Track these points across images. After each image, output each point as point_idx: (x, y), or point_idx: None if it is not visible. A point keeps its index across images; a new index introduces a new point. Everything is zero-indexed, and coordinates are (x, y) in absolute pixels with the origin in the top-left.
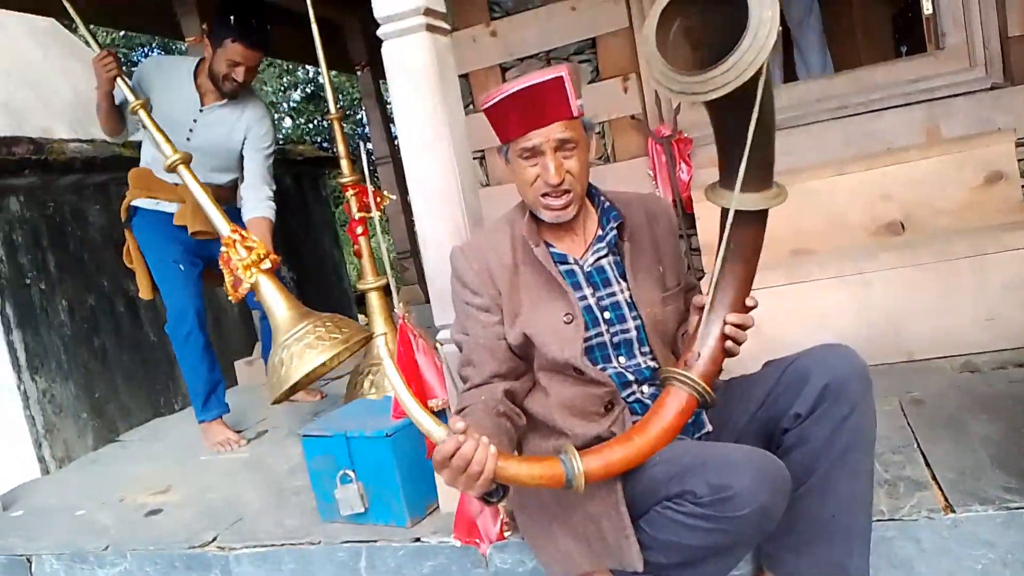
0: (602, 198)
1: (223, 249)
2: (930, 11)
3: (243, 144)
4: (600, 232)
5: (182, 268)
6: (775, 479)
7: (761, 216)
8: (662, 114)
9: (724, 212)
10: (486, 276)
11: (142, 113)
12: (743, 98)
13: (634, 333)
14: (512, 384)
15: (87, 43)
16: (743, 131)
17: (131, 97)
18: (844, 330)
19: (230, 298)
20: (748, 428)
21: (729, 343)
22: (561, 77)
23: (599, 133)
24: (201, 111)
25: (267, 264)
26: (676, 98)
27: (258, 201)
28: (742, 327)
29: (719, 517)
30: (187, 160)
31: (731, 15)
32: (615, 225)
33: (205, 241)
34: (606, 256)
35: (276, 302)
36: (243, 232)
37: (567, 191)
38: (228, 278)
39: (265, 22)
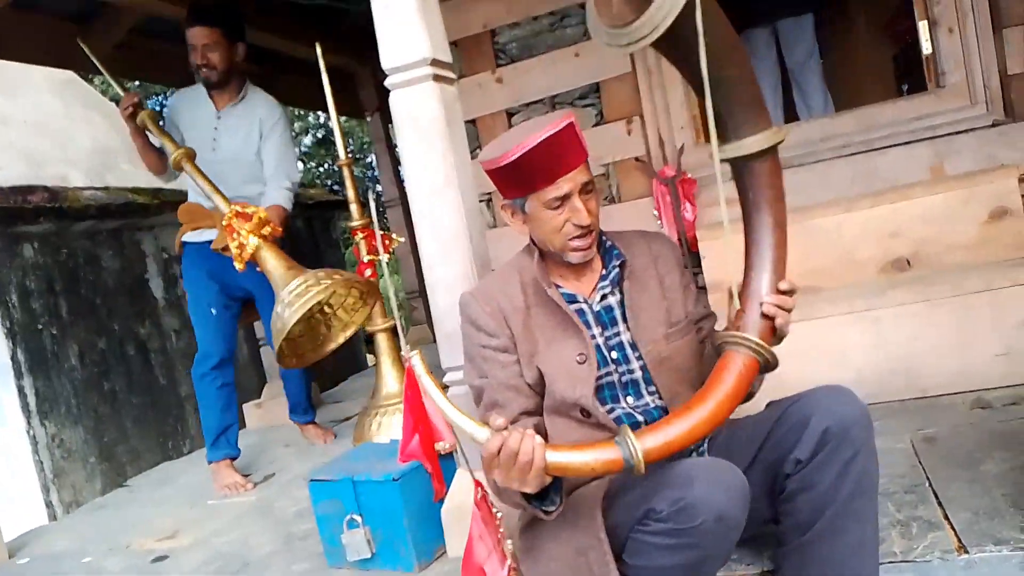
0: (604, 237)
1: (226, 220)
2: (929, 51)
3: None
4: (604, 271)
5: (214, 312)
6: (729, 485)
7: (767, 158)
8: (666, 155)
9: (733, 168)
10: (500, 318)
11: (183, 163)
12: (692, 37)
13: (639, 373)
14: (539, 420)
15: (105, 93)
16: (715, 75)
17: (167, 146)
18: (856, 367)
19: (236, 265)
20: (751, 471)
21: (777, 321)
22: (572, 123)
23: (604, 175)
24: (219, 117)
25: (267, 230)
26: (628, 50)
27: (273, 190)
28: (781, 307)
29: (679, 530)
30: (191, 155)
31: None
32: (617, 264)
33: (242, 276)
34: (611, 295)
35: (277, 266)
36: (244, 204)
37: (592, 231)
38: (233, 245)
39: (228, 6)
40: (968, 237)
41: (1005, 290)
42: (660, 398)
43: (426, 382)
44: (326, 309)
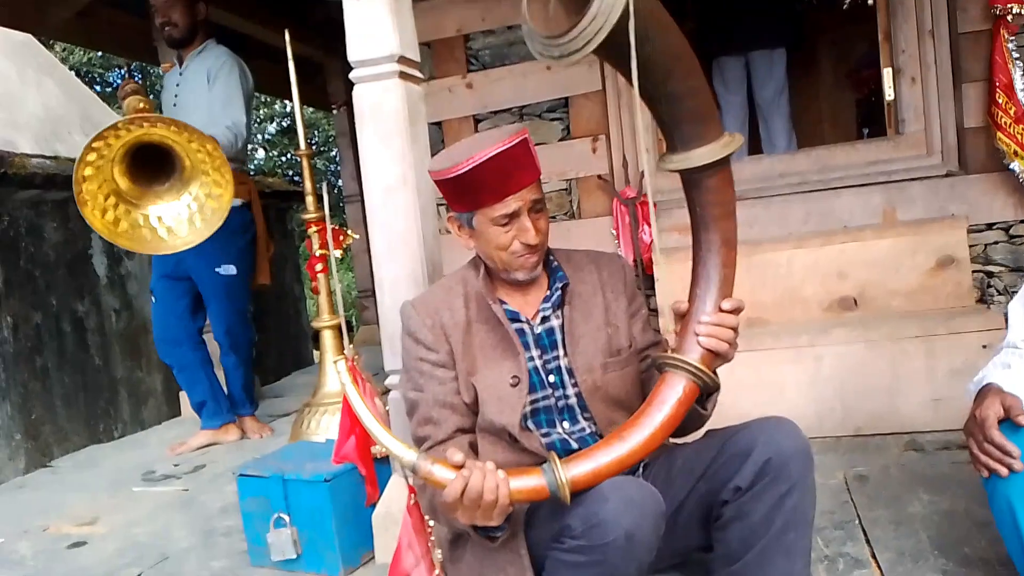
0: (551, 257)
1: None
2: (892, 97)
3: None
4: (548, 292)
5: (153, 299)
6: (642, 504)
7: (716, 172)
8: (628, 176)
9: (683, 182)
10: (440, 332)
11: None
12: (619, 47)
13: (574, 400)
14: (475, 438)
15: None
16: (655, 86)
17: None
18: (794, 402)
19: None
20: (689, 498)
21: (720, 345)
22: (526, 139)
23: (566, 190)
24: (180, 74)
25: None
26: (561, 63)
27: (212, 128)
28: (723, 325)
29: (590, 547)
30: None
31: None
32: (560, 286)
33: (182, 258)
34: (552, 318)
35: None
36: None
37: (538, 249)
38: None
39: None
40: (912, 284)
41: (942, 338)
42: (595, 424)
43: (352, 395)
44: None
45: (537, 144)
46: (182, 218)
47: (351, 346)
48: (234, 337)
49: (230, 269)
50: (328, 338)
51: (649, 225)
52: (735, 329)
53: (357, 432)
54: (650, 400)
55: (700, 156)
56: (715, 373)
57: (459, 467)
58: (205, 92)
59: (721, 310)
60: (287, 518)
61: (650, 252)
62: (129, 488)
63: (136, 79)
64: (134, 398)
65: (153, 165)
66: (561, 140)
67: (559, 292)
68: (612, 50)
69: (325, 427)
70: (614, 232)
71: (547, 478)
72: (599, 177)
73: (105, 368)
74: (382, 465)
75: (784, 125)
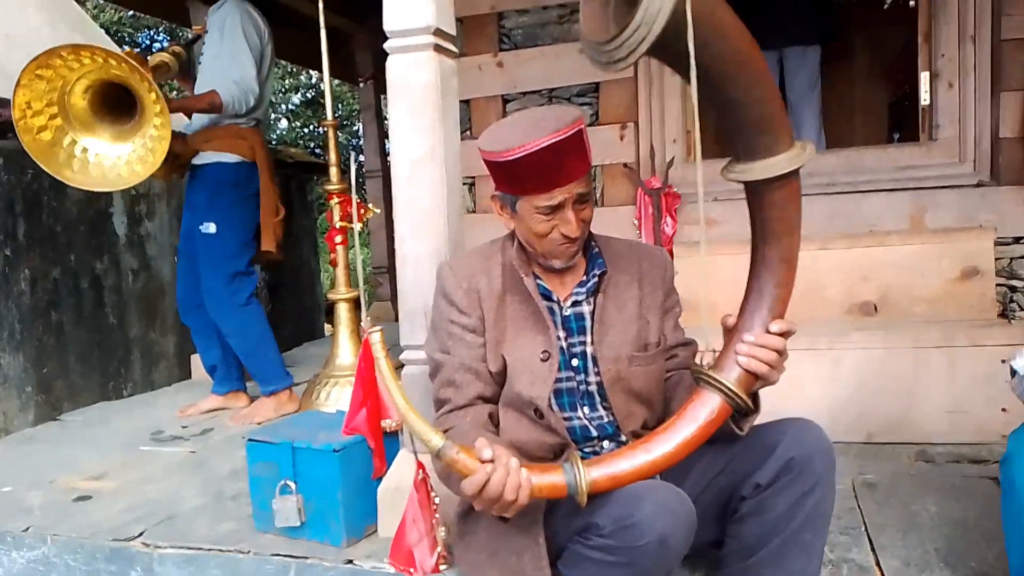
0: (593, 243)
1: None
2: (927, 102)
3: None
4: (584, 278)
5: (177, 260)
6: (676, 511)
7: (782, 185)
8: (655, 166)
9: (746, 192)
10: (475, 297)
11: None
12: (678, 52)
13: (595, 387)
14: (495, 409)
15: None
16: (714, 93)
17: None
18: (810, 401)
19: None
20: (705, 492)
21: (761, 367)
22: (581, 130)
23: (591, 175)
24: (207, 31)
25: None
26: (609, 69)
27: (218, 82)
28: (768, 347)
29: (620, 548)
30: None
31: None
32: (597, 273)
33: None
34: (584, 303)
35: None
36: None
37: (577, 240)
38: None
39: None
40: (936, 291)
41: (963, 349)
42: (613, 415)
43: (385, 372)
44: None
45: None
46: (119, 160)
47: (368, 319)
48: (213, 302)
49: (209, 227)
50: (344, 311)
51: (673, 217)
52: (781, 352)
53: (368, 404)
54: (680, 413)
55: (763, 168)
56: (754, 396)
57: (486, 461)
58: (218, 47)
59: (768, 331)
60: (293, 485)
61: (671, 244)
62: (137, 447)
63: (163, 41)
64: (147, 359)
65: (125, 108)
66: (589, 125)
67: (595, 279)
68: (666, 55)
69: (335, 399)
70: (636, 221)
71: (567, 478)
72: (625, 165)
73: (119, 327)
74: (391, 439)
75: (814, 121)
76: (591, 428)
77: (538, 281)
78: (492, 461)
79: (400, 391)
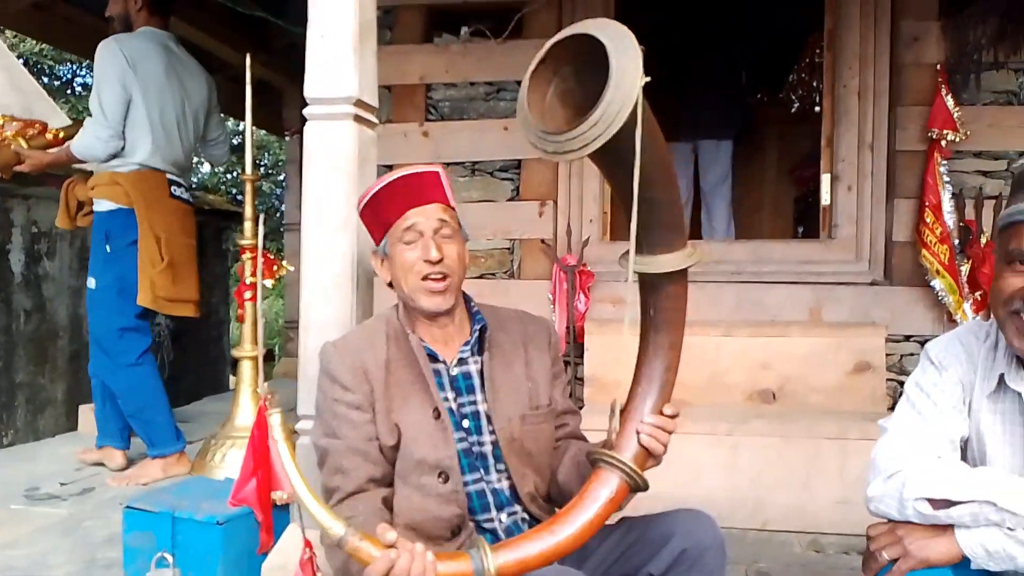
0: (472, 304)
1: None
2: (827, 202)
3: None
4: (469, 337)
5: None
6: None
7: (677, 279)
8: (571, 244)
9: (640, 283)
10: (360, 372)
11: None
12: (625, 155)
13: (489, 448)
14: (388, 492)
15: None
16: (641, 194)
17: None
18: (708, 488)
19: None
20: None
21: (658, 447)
22: (437, 172)
23: (509, 249)
24: None
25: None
26: (553, 159)
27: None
28: (663, 429)
29: None
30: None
31: (605, 74)
32: (477, 328)
33: None
34: (471, 361)
35: None
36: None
37: (447, 275)
38: None
39: None
40: (831, 383)
41: (854, 441)
42: (509, 478)
43: (284, 456)
44: None
45: (485, 201)
46: None
47: (264, 384)
48: (100, 359)
49: (90, 281)
50: (247, 368)
51: (586, 294)
52: (671, 433)
53: (259, 474)
54: (582, 494)
55: (666, 263)
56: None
57: (389, 546)
58: None
59: (662, 414)
60: (170, 558)
61: (583, 320)
62: (8, 504)
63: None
64: (32, 405)
65: None
66: (509, 200)
67: (477, 335)
68: (604, 155)
69: (231, 461)
70: (551, 296)
71: (474, 565)
72: (542, 241)
73: (5, 371)
74: (280, 512)
75: (725, 211)
76: (487, 494)
77: (423, 343)
78: (395, 546)
79: (301, 476)
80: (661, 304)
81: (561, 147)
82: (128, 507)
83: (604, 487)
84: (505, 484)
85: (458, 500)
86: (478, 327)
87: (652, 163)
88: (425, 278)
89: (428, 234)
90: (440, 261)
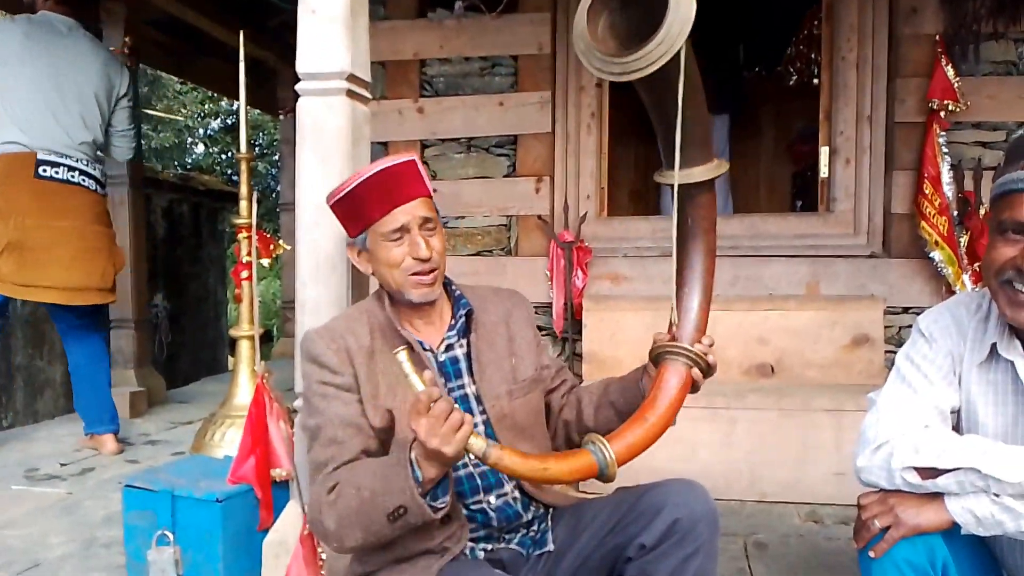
0: (453, 287)
1: None
2: (826, 175)
3: None
4: (452, 321)
5: None
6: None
7: (707, 188)
8: (568, 221)
9: (672, 190)
10: (344, 356)
11: None
12: (671, 78)
13: (481, 428)
14: None
15: None
16: (673, 111)
17: None
18: (706, 462)
19: None
20: (594, 553)
21: (711, 359)
22: (413, 160)
23: (506, 226)
24: None
25: None
26: (616, 79)
27: None
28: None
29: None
30: None
31: (647, 10)
32: (464, 313)
33: None
34: (457, 346)
35: None
36: None
37: (434, 268)
38: None
39: None
40: (828, 357)
41: (850, 414)
42: None
43: (414, 381)
44: None
45: (481, 178)
46: None
47: (262, 362)
48: None
49: None
50: (245, 348)
51: (583, 271)
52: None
53: (258, 452)
54: (655, 387)
55: (700, 173)
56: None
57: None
58: None
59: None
60: (171, 536)
61: (581, 297)
62: (8, 485)
63: None
64: (30, 387)
65: None
66: (506, 176)
67: (463, 319)
68: (657, 75)
69: (230, 441)
70: (548, 273)
71: (597, 458)
72: (539, 217)
73: (3, 353)
74: (280, 489)
75: (722, 187)
76: (475, 477)
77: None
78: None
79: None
80: (696, 212)
81: (628, 67)
82: (127, 486)
83: (673, 376)
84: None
85: (449, 479)
86: (464, 311)
87: (690, 84)
88: (415, 273)
89: (415, 231)
90: (430, 258)
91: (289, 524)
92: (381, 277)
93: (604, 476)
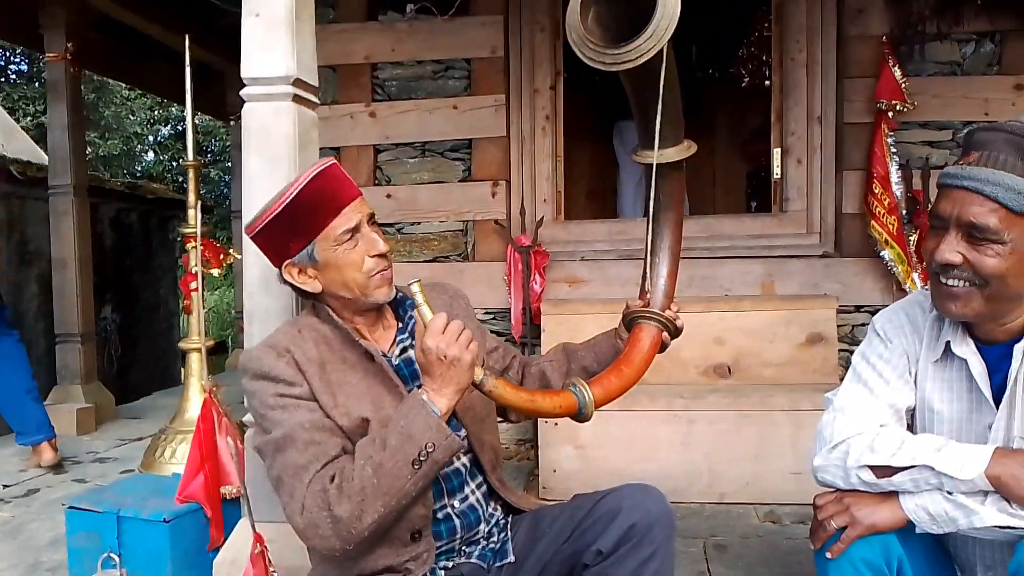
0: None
1: None
2: (778, 175)
3: None
4: (400, 324)
5: None
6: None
7: (679, 167)
8: (525, 225)
9: (649, 168)
10: (296, 368)
11: None
12: (655, 68)
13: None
14: None
15: None
16: (656, 98)
17: None
18: (665, 463)
19: None
20: (553, 560)
21: (678, 321)
22: (335, 163)
23: (463, 231)
24: None
25: None
26: (607, 68)
27: None
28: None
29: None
30: None
31: (629, 7)
32: (412, 313)
33: None
34: (411, 348)
35: None
36: None
37: (391, 264)
38: None
39: None
40: (784, 356)
41: (807, 413)
42: (472, 449)
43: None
44: None
45: (436, 183)
46: None
47: (210, 376)
48: None
49: None
50: (194, 360)
51: (541, 275)
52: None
53: (207, 469)
54: (630, 345)
55: (675, 153)
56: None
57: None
58: None
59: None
60: (117, 558)
61: (539, 301)
62: None
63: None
64: None
65: None
66: (462, 181)
67: (414, 320)
68: (642, 66)
69: (181, 457)
70: (506, 278)
71: (578, 398)
72: (496, 222)
73: None
74: (230, 507)
75: None
76: (441, 481)
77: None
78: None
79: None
80: (668, 188)
81: (619, 58)
82: (71, 507)
83: (647, 337)
84: (464, 460)
85: (425, 499)
86: (414, 311)
87: (671, 75)
88: (376, 272)
89: (365, 227)
90: (387, 252)
91: (240, 543)
92: (338, 287)
93: (582, 415)
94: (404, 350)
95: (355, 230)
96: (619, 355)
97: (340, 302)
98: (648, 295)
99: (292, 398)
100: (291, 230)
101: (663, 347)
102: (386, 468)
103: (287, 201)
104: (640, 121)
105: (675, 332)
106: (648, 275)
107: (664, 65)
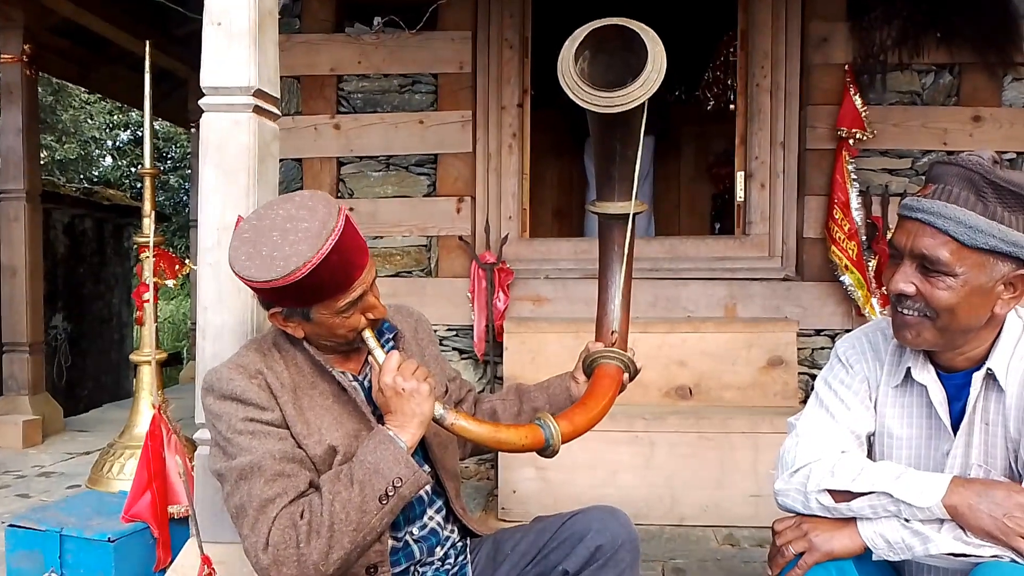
0: None
1: None
2: (742, 199)
3: None
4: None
5: None
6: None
7: (628, 221)
8: (489, 241)
9: (601, 218)
10: (268, 392)
11: None
12: (633, 118)
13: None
14: None
15: None
16: (622, 150)
17: None
18: (626, 485)
19: None
20: None
21: (626, 375)
22: (345, 213)
23: (426, 247)
24: None
25: None
26: (601, 111)
27: None
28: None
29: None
30: None
31: (613, 56)
32: (391, 336)
33: None
34: None
35: None
36: None
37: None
38: None
39: None
40: (745, 379)
41: (766, 435)
42: (437, 473)
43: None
44: None
45: (400, 197)
46: None
47: (159, 392)
48: None
49: None
50: (145, 374)
51: (505, 292)
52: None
53: (155, 488)
54: (596, 383)
55: (626, 207)
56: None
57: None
58: None
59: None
60: None
61: (503, 319)
62: None
63: None
64: None
65: None
66: (426, 196)
67: (391, 342)
68: (621, 114)
69: (129, 473)
70: (470, 295)
71: (545, 432)
72: (460, 238)
73: None
74: (178, 527)
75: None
76: (414, 503)
77: (334, 370)
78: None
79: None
80: (620, 240)
81: (612, 101)
82: (11, 525)
83: (611, 373)
84: (433, 484)
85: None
86: (391, 335)
87: (640, 127)
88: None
89: (368, 295)
90: (385, 313)
91: (188, 564)
92: (324, 338)
93: (549, 448)
94: None
95: (358, 300)
96: (571, 399)
97: (319, 341)
98: (612, 336)
99: (263, 423)
100: (294, 296)
101: (622, 387)
102: (354, 504)
103: (299, 277)
104: (602, 171)
105: (634, 373)
106: (601, 322)
107: (644, 115)
